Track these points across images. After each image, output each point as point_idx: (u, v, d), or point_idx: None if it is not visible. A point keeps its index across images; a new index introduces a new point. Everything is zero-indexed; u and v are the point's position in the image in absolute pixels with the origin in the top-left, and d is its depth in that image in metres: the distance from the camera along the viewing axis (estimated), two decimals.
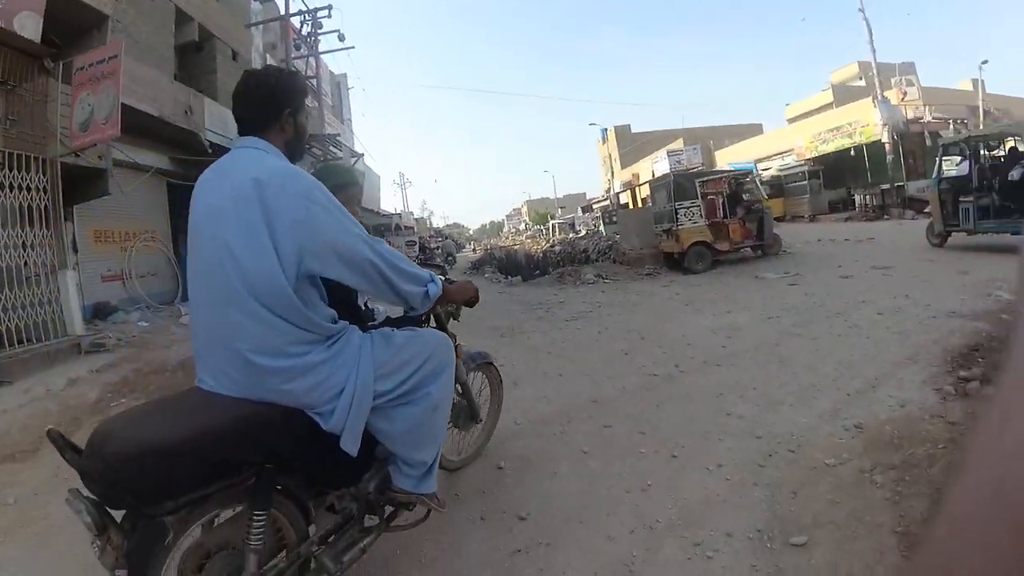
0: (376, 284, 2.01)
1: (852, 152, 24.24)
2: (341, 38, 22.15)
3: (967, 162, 11.53)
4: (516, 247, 34.28)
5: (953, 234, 11.89)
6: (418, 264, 2.32)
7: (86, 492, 1.62)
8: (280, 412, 1.88)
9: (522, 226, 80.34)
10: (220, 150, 12.07)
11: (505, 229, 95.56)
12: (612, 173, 53.87)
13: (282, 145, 2.11)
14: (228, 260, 1.82)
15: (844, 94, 35.05)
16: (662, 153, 41.46)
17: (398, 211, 48.68)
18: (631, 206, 33.33)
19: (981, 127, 22.14)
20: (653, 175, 36.92)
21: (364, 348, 2.06)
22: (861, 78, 39.47)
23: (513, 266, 19.87)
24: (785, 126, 38.19)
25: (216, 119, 14.85)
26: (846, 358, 5.51)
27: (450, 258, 47.30)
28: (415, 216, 64.12)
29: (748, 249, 15.30)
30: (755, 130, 45.37)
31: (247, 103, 2.10)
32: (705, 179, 15.06)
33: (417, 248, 37.16)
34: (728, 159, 36.33)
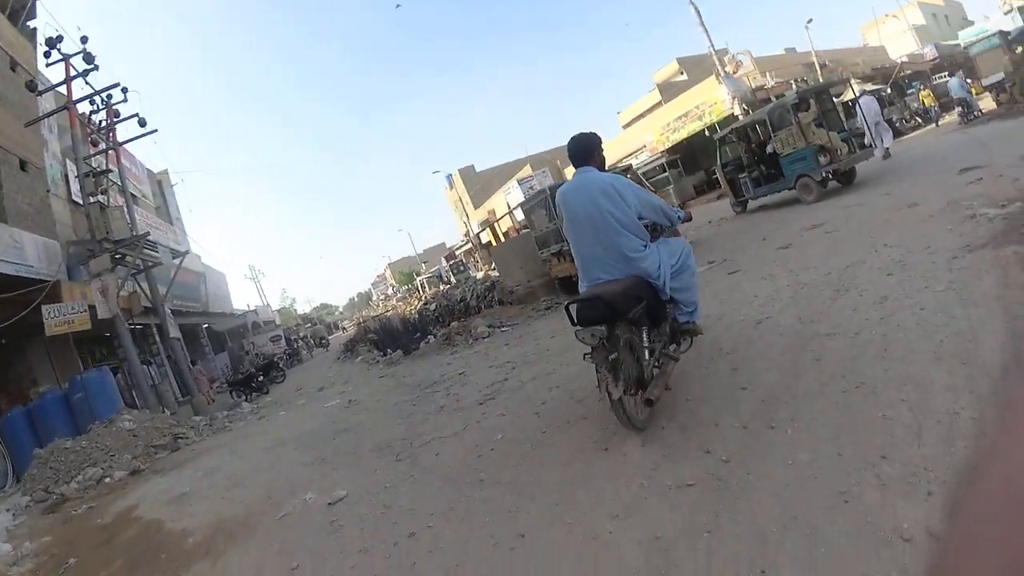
0: (659, 217, 4.30)
1: (707, 132, 23.32)
2: (142, 123, 18.29)
3: (741, 145, 14.59)
4: (389, 313, 30.91)
5: (750, 202, 14.84)
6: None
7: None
8: (640, 279, 4.05)
9: (390, 291, 76.46)
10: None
11: (374, 298, 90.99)
12: (467, 216, 51.85)
13: (597, 167, 4.40)
14: (610, 216, 4.03)
15: (669, 91, 35.26)
16: (512, 183, 40.00)
17: (253, 307, 43.75)
18: (493, 243, 31.12)
19: (820, 80, 22.21)
20: (509, 207, 35.26)
21: (661, 247, 4.30)
22: (683, 72, 40.22)
23: (390, 337, 16.64)
24: (622, 132, 37.94)
25: (7, 246, 11.25)
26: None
27: (323, 341, 43.51)
28: (275, 308, 58.80)
29: None
30: None
31: (577, 151, 4.40)
32: None
33: (283, 342, 33.28)
34: None
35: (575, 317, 3.78)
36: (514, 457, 4.49)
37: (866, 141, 13.86)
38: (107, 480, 9.06)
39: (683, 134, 26.18)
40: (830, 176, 12.28)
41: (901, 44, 41.34)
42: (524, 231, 17.83)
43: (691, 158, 27.42)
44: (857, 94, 18.45)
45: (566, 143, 4.48)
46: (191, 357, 24.10)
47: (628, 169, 14.79)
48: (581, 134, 4.39)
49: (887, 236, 6.99)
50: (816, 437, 3.18)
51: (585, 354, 3.89)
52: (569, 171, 38.91)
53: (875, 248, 6.65)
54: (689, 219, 4.86)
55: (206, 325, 29.57)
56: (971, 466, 0.33)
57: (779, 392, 3.89)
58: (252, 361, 25.44)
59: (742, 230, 12.43)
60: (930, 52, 35.05)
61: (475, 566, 3.11)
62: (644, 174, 26.64)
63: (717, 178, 24.01)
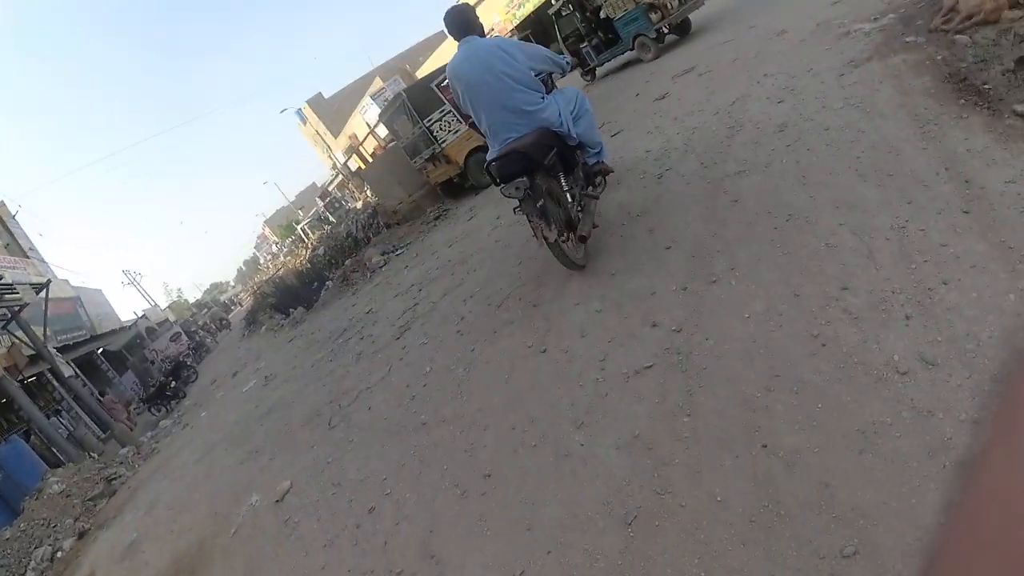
0: (550, 66, 4.36)
1: (553, 2, 22.39)
2: None
3: (577, 16, 14.21)
4: (280, 272, 29.26)
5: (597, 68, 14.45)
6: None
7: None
8: (546, 129, 4.16)
9: (275, 248, 72.46)
10: None
11: (261, 261, 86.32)
12: (329, 147, 48.91)
13: (478, 35, 4.35)
14: (505, 77, 4.06)
15: None
16: (366, 100, 37.71)
17: (142, 313, 40.29)
18: (363, 167, 29.47)
19: None
20: (369, 125, 33.37)
21: (557, 96, 4.40)
22: None
23: (288, 296, 15.60)
24: None
25: None
26: None
27: (223, 322, 41.19)
28: (164, 307, 54.83)
29: None
30: (441, 37, 43.21)
31: (456, 24, 4.29)
32: (440, 78, 11.85)
33: (184, 338, 31.07)
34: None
35: (496, 175, 4.02)
36: (450, 387, 4.12)
37: None
38: (59, 555, 8.22)
39: (529, 8, 25.10)
40: (666, 31, 11.97)
41: None
42: (391, 144, 16.87)
43: (542, 33, 26.51)
44: None
45: (442, 17, 4.34)
46: (98, 388, 22.17)
47: None
48: (455, 7, 4.34)
49: (764, 66, 6.78)
50: (764, 282, 2.96)
51: (514, 208, 4.17)
52: (421, 71, 37.12)
53: (755, 80, 6.42)
54: (576, 66, 5.61)
55: (100, 349, 26.92)
56: (969, 460, 0.32)
57: (707, 243, 3.66)
58: (159, 368, 23.76)
59: (610, 93, 12.03)
60: None
61: (450, 527, 2.78)
62: None
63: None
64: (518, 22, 25.96)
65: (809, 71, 5.63)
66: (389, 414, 4.41)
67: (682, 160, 5.32)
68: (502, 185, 3.97)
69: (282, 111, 54.90)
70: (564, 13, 14.59)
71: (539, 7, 23.83)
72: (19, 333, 14.55)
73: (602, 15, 13.05)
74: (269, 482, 4.88)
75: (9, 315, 14.33)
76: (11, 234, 25.62)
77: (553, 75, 4.69)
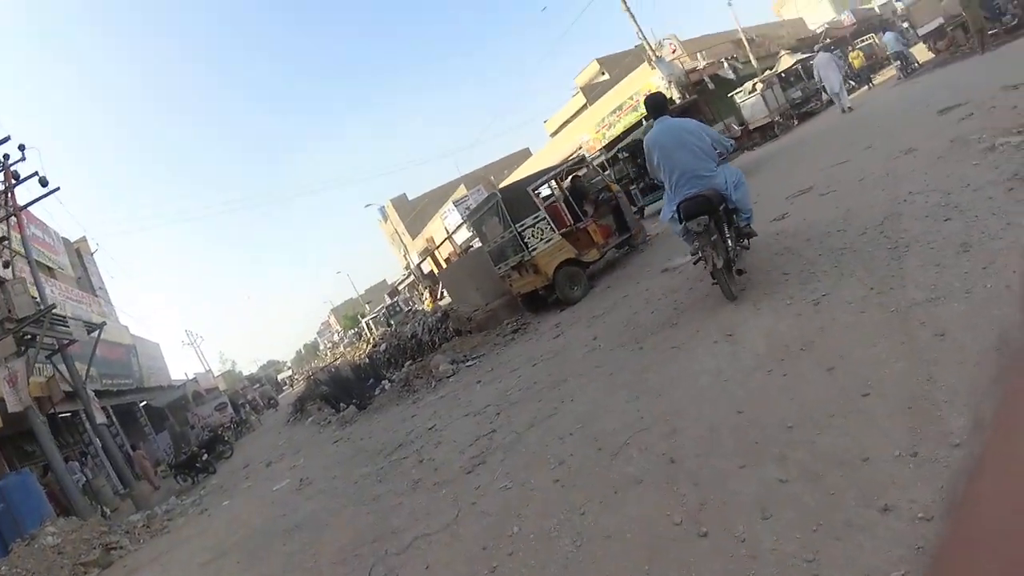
0: (721, 145, 5.68)
1: (644, 122, 22.35)
2: (43, 183, 15.86)
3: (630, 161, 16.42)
4: (337, 361, 28.65)
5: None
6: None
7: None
8: (715, 190, 5.26)
9: (336, 337, 72.92)
10: None
11: (321, 347, 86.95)
12: (405, 247, 49.71)
13: (669, 115, 5.77)
14: (694, 147, 5.37)
15: (593, 92, 34.42)
16: (448, 206, 38.36)
17: (193, 376, 40.61)
18: (436, 271, 29.19)
19: (750, 57, 21.57)
20: (448, 232, 33.54)
21: (724, 169, 5.52)
22: (604, 72, 39.51)
23: (341, 388, 14.61)
24: (550, 141, 37.09)
25: None
26: None
27: (271, 401, 40.79)
28: (217, 374, 55.31)
29: (614, 249, 11.67)
30: (525, 155, 44.25)
31: (654, 105, 5.81)
32: (538, 183, 11.22)
33: (230, 409, 30.73)
34: None
35: (683, 213, 5.30)
36: (552, 567, 2.87)
37: (823, 98, 15.18)
38: None
39: (620, 128, 25.10)
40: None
41: (817, 14, 42.02)
42: (475, 247, 16.29)
43: (634, 149, 26.43)
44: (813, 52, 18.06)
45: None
46: (131, 440, 21.69)
47: (582, 160, 13.27)
48: (654, 93, 6.02)
49: (903, 185, 5.89)
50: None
51: (691, 251, 5.61)
52: (503, 184, 37.78)
53: (900, 199, 5.52)
54: (737, 147, 7.07)
55: (144, 402, 26.63)
56: (972, 458, 0.32)
57: (921, 389, 2.44)
58: (197, 436, 23.19)
59: None
60: (847, 18, 35.47)
61: None
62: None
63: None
64: (607, 140, 26.13)
65: (967, 186, 4.81)
66: None
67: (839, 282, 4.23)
68: (687, 221, 5.28)
69: (367, 205, 56.61)
70: (620, 157, 16.85)
71: (632, 125, 24.09)
72: (62, 367, 14.13)
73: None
74: None
75: (56, 347, 14.04)
76: (85, 269, 26.19)
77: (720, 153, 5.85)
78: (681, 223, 5.36)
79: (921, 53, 19.75)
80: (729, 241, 5.36)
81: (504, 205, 10.65)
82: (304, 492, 7.62)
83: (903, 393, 2.74)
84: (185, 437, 25.01)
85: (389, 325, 29.74)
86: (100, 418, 15.30)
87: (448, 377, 10.03)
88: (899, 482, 2.26)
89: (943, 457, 2.26)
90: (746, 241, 5.81)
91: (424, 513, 4.45)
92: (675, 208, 5.41)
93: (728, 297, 5.32)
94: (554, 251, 10.35)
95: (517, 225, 10.47)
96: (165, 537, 9.71)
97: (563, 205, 11.15)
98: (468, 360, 10.48)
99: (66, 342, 14.44)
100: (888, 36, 18.86)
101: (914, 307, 3.43)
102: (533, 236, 10.47)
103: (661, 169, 5.58)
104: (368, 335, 37.90)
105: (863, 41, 27.20)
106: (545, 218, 10.47)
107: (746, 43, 25.05)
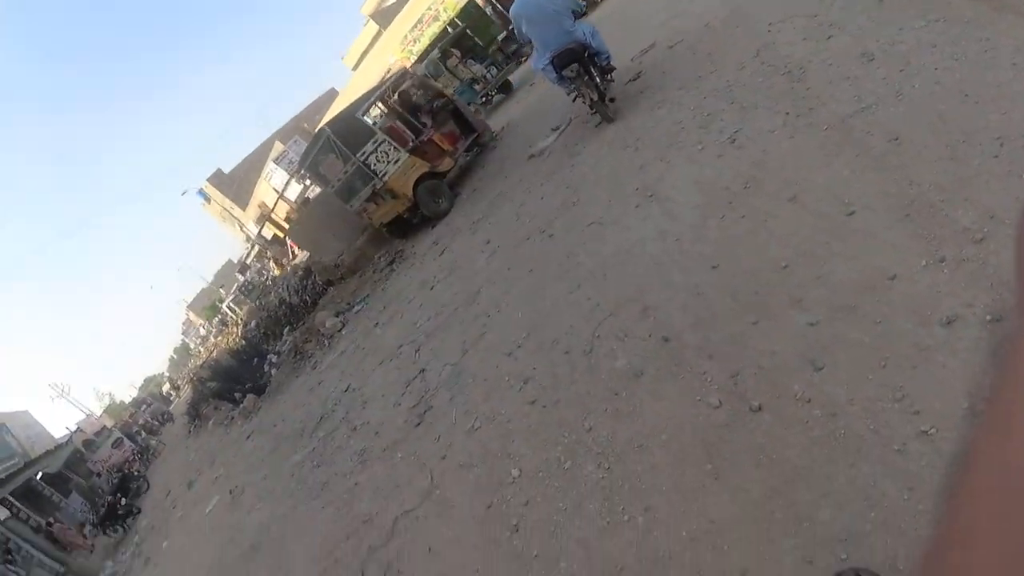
0: (576, 5, 6.59)
1: (449, 30, 21.15)
2: None
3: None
4: (214, 354, 26.39)
5: None
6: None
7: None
8: (578, 41, 6.28)
9: (202, 331, 67.48)
10: None
11: (192, 346, 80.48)
12: (239, 221, 45.81)
13: None
14: (550, 10, 6.29)
15: (384, 17, 32.47)
16: (270, 167, 35.60)
17: (76, 426, 36.64)
18: (279, 235, 27.11)
19: None
20: (277, 191, 31.16)
21: (581, 24, 6.57)
22: None
23: (230, 378, 13.26)
24: (353, 75, 35.19)
25: None
26: None
27: (165, 416, 37.72)
28: (99, 413, 50.31)
29: (464, 154, 11.10)
30: (332, 96, 41.95)
31: None
32: (364, 107, 10.24)
33: (127, 442, 28.56)
34: None
35: (557, 65, 6.36)
36: (593, 502, 2.48)
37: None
38: None
39: (426, 41, 23.77)
40: (491, 96, 15.88)
41: None
42: (315, 195, 15.03)
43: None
44: None
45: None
46: (44, 517, 19.31)
47: (405, 73, 12.24)
48: None
49: (762, 18, 5.95)
50: None
51: (568, 91, 6.76)
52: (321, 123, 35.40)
53: (764, 31, 5.65)
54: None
55: (38, 474, 23.77)
56: (968, 447, 0.31)
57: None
58: (107, 482, 21.29)
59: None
60: None
61: None
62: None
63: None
64: (417, 56, 24.78)
65: (833, 5, 4.51)
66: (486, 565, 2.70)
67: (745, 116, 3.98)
68: (562, 71, 6.35)
69: (183, 193, 51.15)
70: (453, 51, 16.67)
71: (438, 35, 22.89)
72: None
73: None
74: None
75: None
76: None
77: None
78: (556, 73, 6.47)
79: None
80: (597, 78, 6.39)
81: (336, 139, 9.67)
82: (241, 505, 6.72)
83: (891, 203, 2.54)
84: (97, 489, 22.58)
85: (253, 302, 27.55)
86: (1, 513, 14.45)
87: (339, 331, 9.22)
88: (944, 290, 2.05)
89: (974, 255, 2.08)
90: (610, 76, 6.82)
91: (391, 487, 3.89)
92: (549, 62, 6.44)
93: (607, 120, 6.41)
94: (406, 170, 9.61)
95: (358, 155, 9.56)
96: None
97: (399, 123, 10.36)
98: (353, 307, 9.69)
99: None
100: None
101: (849, 120, 3.24)
102: (379, 161, 9.62)
103: (529, 34, 6.67)
104: (234, 318, 35.20)
105: None
106: (386, 140, 9.63)
107: None
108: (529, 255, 5.18)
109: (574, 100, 6.89)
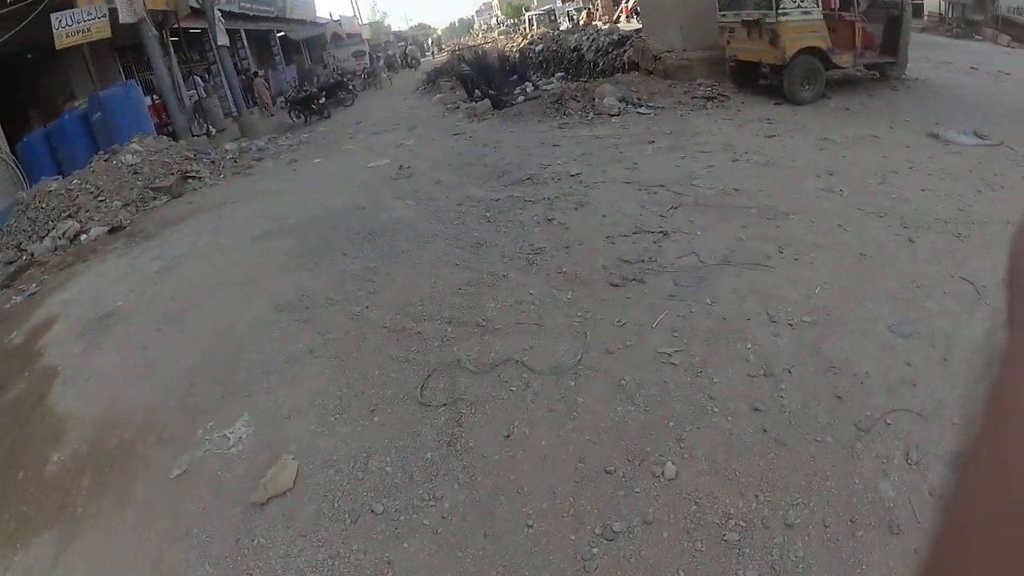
0: None
1: None
2: None
3: None
4: (487, 45, 26.37)
5: None
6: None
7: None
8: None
9: (494, 21, 67.69)
10: None
11: (475, 26, 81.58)
12: None
13: None
14: None
15: None
16: None
17: (338, 18, 38.79)
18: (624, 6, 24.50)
19: None
20: None
21: None
22: None
23: (482, 74, 12.94)
24: None
25: None
26: None
27: (413, 61, 39.66)
28: (364, 22, 53.08)
29: (862, 68, 9.18)
30: None
31: None
32: None
33: (367, 59, 29.65)
34: None
35: None
36: None
37: None
38: (83, 237, 6.92)
39: None
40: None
41: None
42: None
43: None
44: None
45: None
46: (260, 68, 21.20)
47: None
48: None
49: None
50: None
51: None
52: None
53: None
54: None
55: (281, 33, 25.59)
56: (963, 453, 0.31)
57: None
58: (326, 76, 22.25)
59: None
60: None
61: None
62: None
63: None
64: None
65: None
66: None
67: None
68: None
69: None
70: None
71: None
72: None
73: None
74: (267, 407, 2.96)
75: None
76: None
77: None
78: None
79: None
80: None
81: None
82: (397, 187, 6.59)
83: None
84: (312, 76, 23.99)
85: (552, 31, 26.57)
86: (222, 39, 14.95)
87: (612, 116, 8.40)
88: None
89: None
90: None
91: (539, 308, 3.29)
92: None
93: None
94: (805, 29, 8.10)
95: None
96: (240, 181, 8.97)
97: None
98: (642, 105, 8.74)
99: None
100: None
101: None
102: (791, 1, 8.04)
103: None
104: (526, 30, 34.66)
105: None
106: None
107: None
108: None
109: None
